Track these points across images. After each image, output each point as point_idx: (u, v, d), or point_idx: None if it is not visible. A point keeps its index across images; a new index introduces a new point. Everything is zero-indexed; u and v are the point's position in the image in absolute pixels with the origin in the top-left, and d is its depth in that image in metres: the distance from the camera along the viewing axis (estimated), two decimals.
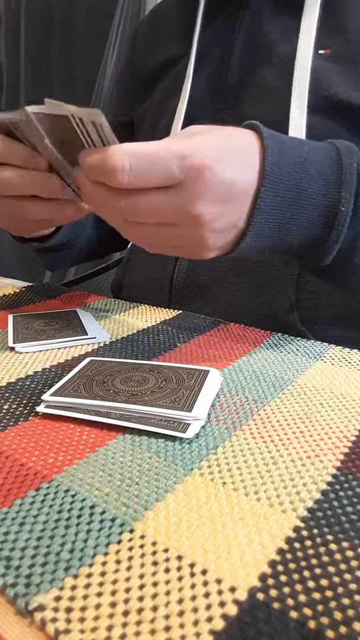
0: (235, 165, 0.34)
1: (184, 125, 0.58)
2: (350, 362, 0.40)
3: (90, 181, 0.34)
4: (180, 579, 0.19)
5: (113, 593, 0.18)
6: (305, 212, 0.38)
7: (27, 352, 0.41)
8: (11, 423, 0.30)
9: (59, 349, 0.43)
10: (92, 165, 0.32)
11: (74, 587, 0.18)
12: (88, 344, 0.43)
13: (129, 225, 0.35)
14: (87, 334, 0.45)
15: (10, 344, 0.42)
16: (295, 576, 0.19)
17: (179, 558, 0.20)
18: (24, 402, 0.32)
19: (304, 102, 0.50)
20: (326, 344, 0.45)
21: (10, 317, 0.49)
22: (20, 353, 0.41)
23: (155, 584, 0.18)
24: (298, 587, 0.18)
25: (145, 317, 0.52)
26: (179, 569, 0.19)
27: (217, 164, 0.33)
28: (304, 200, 0.38)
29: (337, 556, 0.20)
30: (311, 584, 0.19)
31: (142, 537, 0.21)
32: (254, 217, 0.36)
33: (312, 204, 0.38)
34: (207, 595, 0.18)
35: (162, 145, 0.31)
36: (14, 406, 0.32)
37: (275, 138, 0.37)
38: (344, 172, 0.39)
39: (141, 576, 0.19)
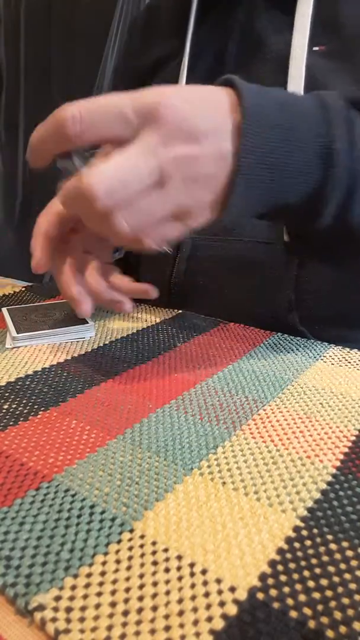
0: (198, 101, 0.31)
1: None
2: (350, 362, 0.40)
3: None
4: (180, 578, 0.19)
5: (113, 593, 0.18)
6: (299, 152, 0.33)
7: (28, 345, 0.42)
8: (11, 423, 0.30)
9: (60, 343, 0.43)
10: (40, 131, 0.30)
11: (73, 587, 0.18)
12: (87, 341, 0.43)
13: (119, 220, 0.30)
14: (87, 322, 0.45)
15: (14, 333, 0.42)
16: (295, 576, 0.19)
17: (179, 558, 0.20)
18: (24, 402, 0.32)
19: None
20: (325, 343, 0.45)
21: (5, 310, 0.49)
22: (19, 347, 0.42)
23: (155, 584, 0.18)
24: (298, 586, 0.18)
25: (145, 317, 0.52)
26: (178, 568, 0.19)
27: (174, 100, 0.29)
28: (295, 139, 0.33)
29: (337, 556, 0.20)
30: (311, 583, 0.19)
31: (142, 536, 0.21)
32: (241, 160, 0.31)
33: (304, 142, 0.34)
34: (207, 594, 0.18)
35: (114, 94, 0.29)
36: (13, 406, 0.32)
37: (250, 85, 0.34)
38: (330, 112, 0.35)
39: (141, 576, 0.19)
